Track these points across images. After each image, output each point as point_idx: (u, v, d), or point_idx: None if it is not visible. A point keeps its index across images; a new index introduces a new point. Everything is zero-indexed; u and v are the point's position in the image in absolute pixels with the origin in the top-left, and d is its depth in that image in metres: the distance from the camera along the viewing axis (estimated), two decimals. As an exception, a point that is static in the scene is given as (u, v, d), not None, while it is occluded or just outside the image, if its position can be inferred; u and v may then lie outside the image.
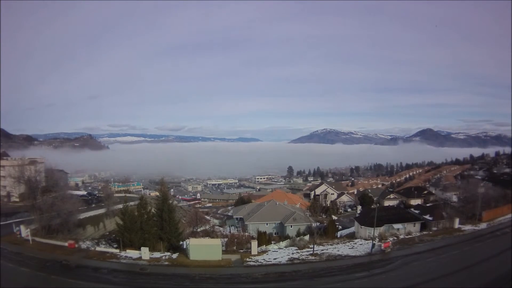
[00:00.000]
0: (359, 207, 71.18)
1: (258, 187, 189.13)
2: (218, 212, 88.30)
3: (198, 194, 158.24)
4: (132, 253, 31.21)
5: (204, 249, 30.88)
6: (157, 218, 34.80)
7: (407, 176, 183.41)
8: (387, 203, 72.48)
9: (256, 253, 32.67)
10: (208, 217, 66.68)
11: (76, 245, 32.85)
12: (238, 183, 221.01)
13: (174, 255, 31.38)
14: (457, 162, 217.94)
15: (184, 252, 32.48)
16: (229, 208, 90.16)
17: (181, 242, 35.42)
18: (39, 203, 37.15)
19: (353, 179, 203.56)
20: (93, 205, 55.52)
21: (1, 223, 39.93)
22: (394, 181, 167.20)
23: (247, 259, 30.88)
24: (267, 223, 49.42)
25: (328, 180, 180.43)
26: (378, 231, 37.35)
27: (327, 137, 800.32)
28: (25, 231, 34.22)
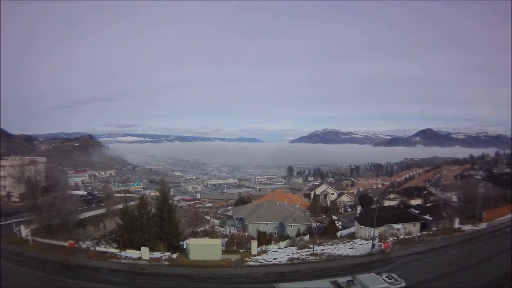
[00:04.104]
0: (359, 207, 71.16)
1: (258, 187, 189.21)
2: (218, 212, 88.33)
3: (198, 194, 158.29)
4: (132, 253, 31.18)
5: (204, 249, 30.86)
6: (157, 218, 34.75)
7: (407, 176, 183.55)
8: (387, 203, 72.39)
9: (256, 253, 32.65)
10: (208, 217, 66.61)
11: (76, 245, 32.84)
12: (238, 183, 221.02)
13: (174, 255, 31.36)
14: (457, 162, 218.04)
15: (184, 252, 32.47)
16: (229, 208, 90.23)
17: (181, 242, 35.40)
18: (39, 203, 37.09)
19: (353, 179, 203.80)
20: (93, 205, 55.48)
21: (1, 223, 39.93)
22: (394, 181, 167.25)
23: (247, 259, 30.87)
24: (267, 223, 49.41)
25: (328, 180, 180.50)
26: (378, 231, 37.35)
27: (327, 137, 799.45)
28: (25, 231, 34.18)
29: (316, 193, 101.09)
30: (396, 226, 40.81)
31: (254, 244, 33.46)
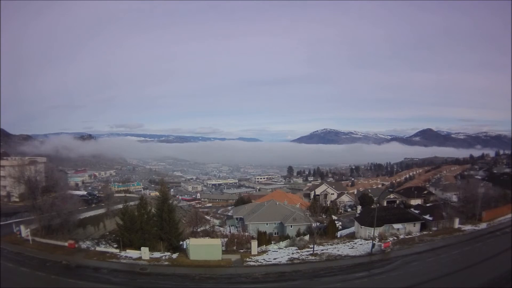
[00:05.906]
0: (359, 207, 71.20)
1: (258, 187, 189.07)
2: (218, 212, 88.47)
3: (198, 194, 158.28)
4: (132, 253, 31.18)
5: (204, 249, 30.87)
6: (157, 218, 34.78)
7: (407, 176, 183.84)
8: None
9: (256, 253, 32.67)
10: (208, 217, 66.71)
11: (76, 245, 32.85)
12: (238, 183, 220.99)
13: (174, 255, 31.37)
14: (457, 162, 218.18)
15: (184, 252, 32.49)
16: (229, 208, 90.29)
17: (181, 242, 35.42)
18: (39, 203, 37.10)
19: (353, 179, 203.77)
20: (93, 205, 55.55)
21: (1, 223, 39.95)
22: (394, 181, 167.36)
23: (247, 259, 30.87)
24: (267, 223, 49.43)
25: (328, 180, 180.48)
26: (378, 231, 37.36)
27: (327, 137, 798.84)
28: (25, 231, 34.20)
29: (316, 193, 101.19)
30: (396, 226, 40.84)
31: (254, 244, 33.47)
